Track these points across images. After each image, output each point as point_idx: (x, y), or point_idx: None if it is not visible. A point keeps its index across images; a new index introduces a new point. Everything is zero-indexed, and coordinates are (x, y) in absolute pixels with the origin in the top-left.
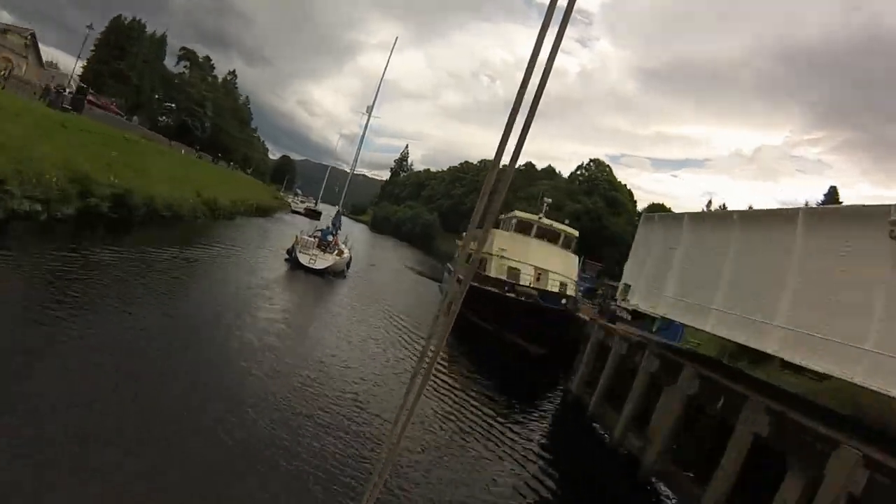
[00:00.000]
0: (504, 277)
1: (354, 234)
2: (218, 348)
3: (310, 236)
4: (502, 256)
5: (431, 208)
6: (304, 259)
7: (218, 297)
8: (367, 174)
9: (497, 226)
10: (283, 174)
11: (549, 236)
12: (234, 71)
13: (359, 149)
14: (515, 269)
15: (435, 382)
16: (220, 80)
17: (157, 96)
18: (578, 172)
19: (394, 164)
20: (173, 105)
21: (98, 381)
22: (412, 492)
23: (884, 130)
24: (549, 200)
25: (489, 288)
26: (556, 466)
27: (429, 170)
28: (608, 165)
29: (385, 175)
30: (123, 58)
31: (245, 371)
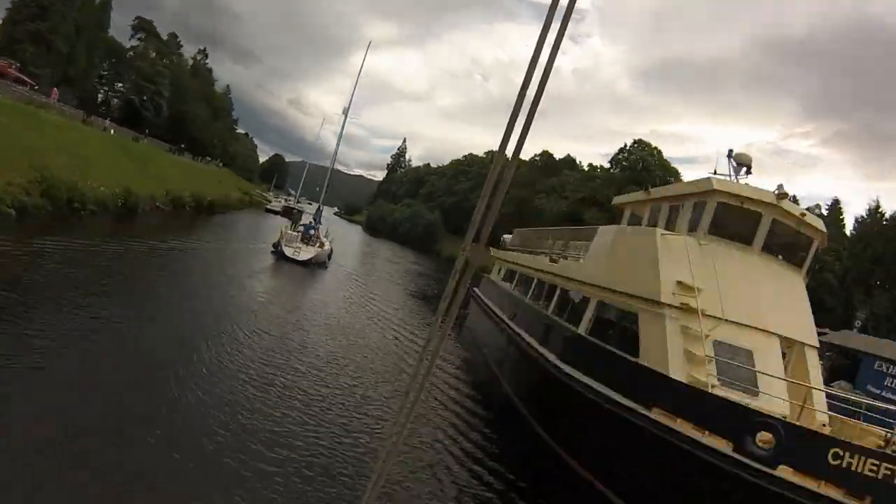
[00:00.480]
0: (713, 380)
1: (349, 238)
2: (211, 342)
3: (294, 231)
4: (690, 309)
5: (432, 206)
6: (288, 251)
7: (209, 287)
8: (364, 175)
9: (638, 219)
10: (273, 173)
11: (788, 248)
12: (204, 49)
13: (336, 146)
14: (742, 351)
15: None
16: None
17: (103, 73)
18: (620, 156)
19: (391, 160)
20: (121, 84)
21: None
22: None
23: (875, 122)
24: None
25: (697, 438)
26: None
27: (428, 165)
28: (656, 147)
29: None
30: (46, 17)
31: (242, 363)
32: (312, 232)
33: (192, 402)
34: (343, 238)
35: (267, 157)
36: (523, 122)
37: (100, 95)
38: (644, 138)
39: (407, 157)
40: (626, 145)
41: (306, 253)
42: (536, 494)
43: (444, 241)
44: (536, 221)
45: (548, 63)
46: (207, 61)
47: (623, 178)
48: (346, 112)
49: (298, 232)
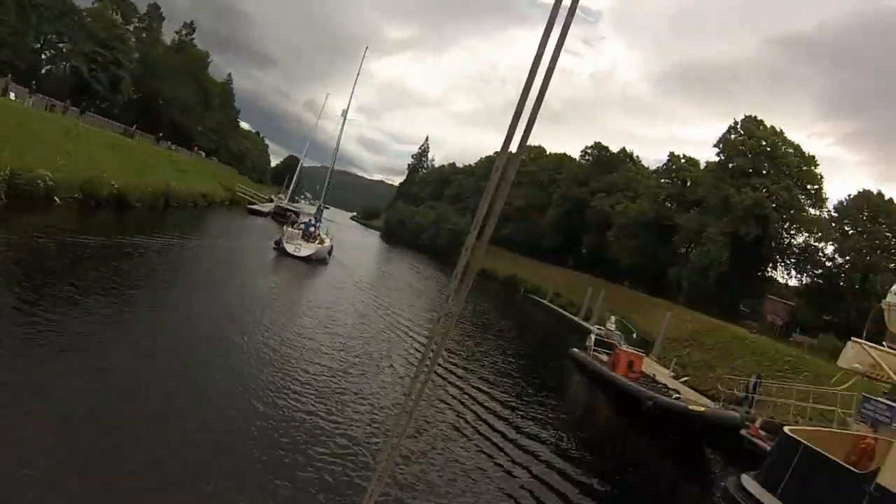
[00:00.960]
0: None
1: (362, 246)
2: (217, 337)
3: (295, 228)
4: None
5: (461, 208)
6: (290, 248)
7: (217, 281)
8: (385, 180)
9: None
10: (285, 175)
11: None
12: (191, 23)
13: (336, 148)
14: None
15: None
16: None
17: (49, 36)
18: (733, 137)
19: (412, 159)
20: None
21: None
22: (417, 489)
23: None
24: None
25: None
26: None
27: (453, 164)
28: (774, 126)
29: None
30: None
31: (244, 359)
32: (312, 229)
33: (193, 397)
34: (353, 247)
35: (281, 160)
36: (526, 120)
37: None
38: (662, 143)
39: (430, 156)
40: (736, 123)
41: (307, 249)
42: None
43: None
44: (601, 228)
45: (551, 61)
46: (194, 37)
47: (739, 169)
48: (344, 114)
49: (299, 230)
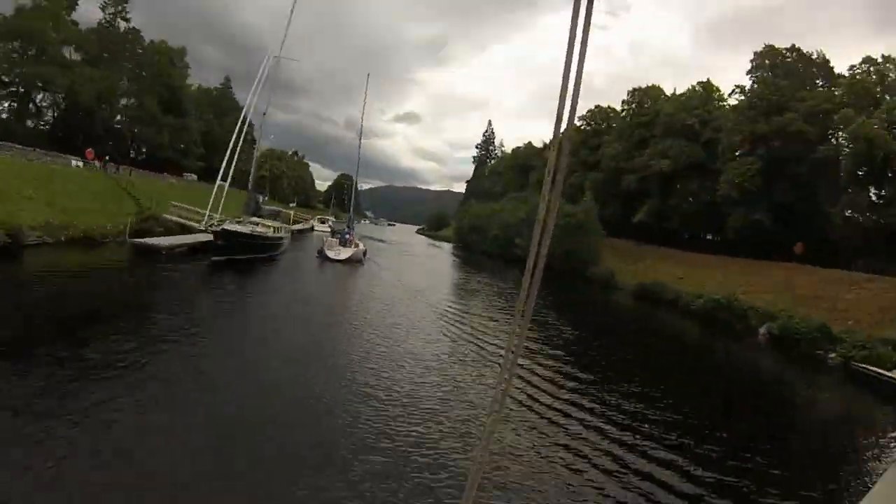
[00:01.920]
0: None
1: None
2: (288, 334)
3: (333, 238)
4: None
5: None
6: (331, 254)
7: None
8: (451, 189)
9: None
10: (338, 196)
11: None
12: None
13: (357, 164)
14: None
15: None
16: None
17: None
18: None
19: (476, 150)
20: None
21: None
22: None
23: None
24: None
25: None
26: None
27: (530, 143)
28: None
29: None
30: None
31: (321, 360)
32: (348, 237)
33: (272, 400)
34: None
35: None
36: (570, 99)
37: None
38: None
39: (497, 142)
40: None
41: (345, 253)
42: None
43: (611, 254)
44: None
45: (583, 34)
46: (127, 12)
47: None
48: (359, 133)
49: (336, 239)
